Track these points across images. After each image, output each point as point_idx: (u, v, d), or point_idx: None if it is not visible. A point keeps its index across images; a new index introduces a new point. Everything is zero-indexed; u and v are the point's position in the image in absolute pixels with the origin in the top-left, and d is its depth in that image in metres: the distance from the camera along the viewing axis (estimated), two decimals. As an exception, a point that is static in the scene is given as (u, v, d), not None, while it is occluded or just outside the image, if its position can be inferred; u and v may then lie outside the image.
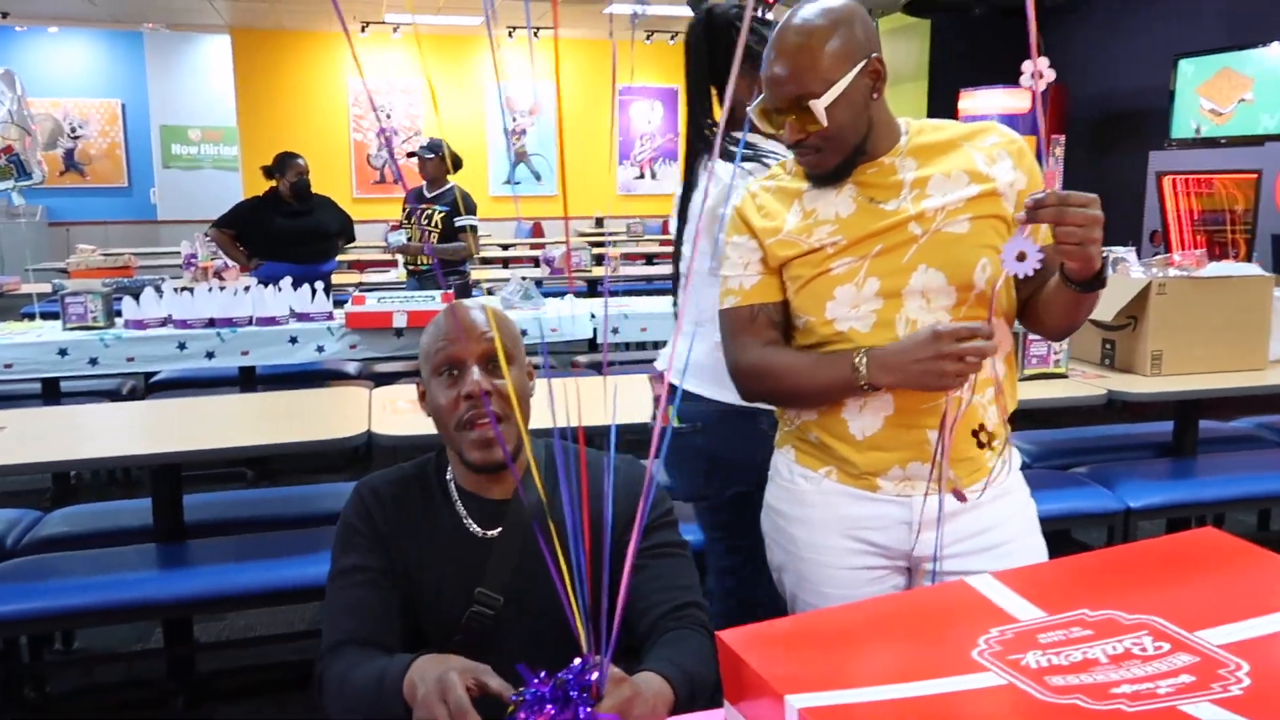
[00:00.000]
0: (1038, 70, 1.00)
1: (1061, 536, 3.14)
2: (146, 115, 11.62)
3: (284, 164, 4.98)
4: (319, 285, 4.01)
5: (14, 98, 4.25)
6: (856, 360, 1.36)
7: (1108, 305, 2.88)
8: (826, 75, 1.33)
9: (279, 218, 5.00)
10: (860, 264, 1.40)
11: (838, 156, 1.40)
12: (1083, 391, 2.78)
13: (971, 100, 8.83)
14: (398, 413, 2.64)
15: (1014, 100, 8.61)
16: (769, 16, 1.88)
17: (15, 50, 10.99)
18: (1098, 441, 3.40)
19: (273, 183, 5.03)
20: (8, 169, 4.19)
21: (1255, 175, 6.81)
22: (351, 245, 5.82)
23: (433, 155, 5.04)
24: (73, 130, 11.44)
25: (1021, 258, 1.21)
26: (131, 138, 11.65)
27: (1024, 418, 3.54)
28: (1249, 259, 6.77)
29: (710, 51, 1.83)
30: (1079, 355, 3.13)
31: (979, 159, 1.42)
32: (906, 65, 9.83)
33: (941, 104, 9.24)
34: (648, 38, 10.57)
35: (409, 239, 5.02)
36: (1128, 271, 3.00)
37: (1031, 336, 2.75)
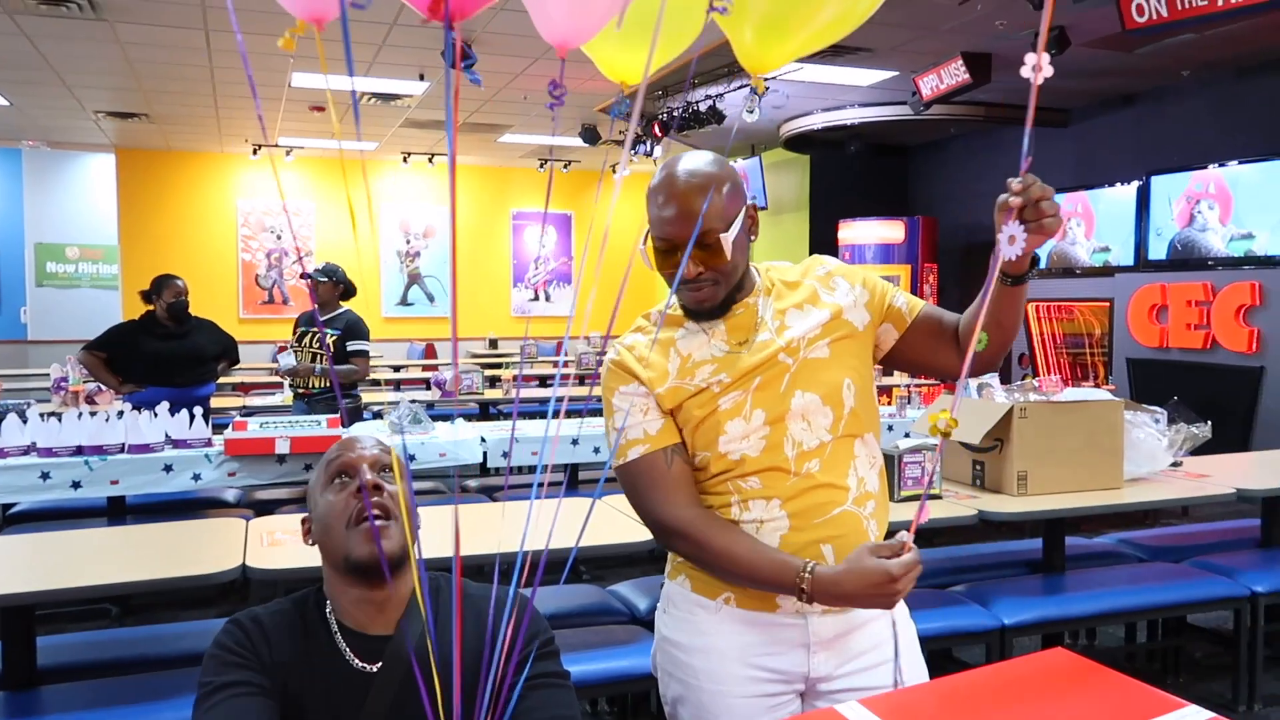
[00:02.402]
0: (1039, 64, 1.06)
1: (944, 654, 3.19)
2: (21, 231, 11.26)
3: (160, 285, 4.88)
4: (197, 410, 3.88)
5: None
6: (804, 571, 1.38)
7: (976, 428, 3.03)
8: (725, 214, 1.45)
9: (152, 340, 4.86)
10: (744, 397, 1.49)
11: (725, 290, 1.50)
12: (955, 512, 2.88)
13: (850, 230, 9.32)
14: (276, 544, 2.54)
15: (889, 231, 9.13)
16: (657, 151, 1.98)
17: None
18: (973, 560, 3.52)
19: (150, 306, 4.91)
20: None
21: (1108, 303, 7.34)
22: (237, 367, 5.67)
23: (325, 280, 5.00)
24: (-62, 246, 11.00)
25: (1012, 240, 1.25)
26: (3, 254, 11.23)
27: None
28: (1107, 380, 7.23)
29: None
30: (951, 476, 3.26)
31: (819, 289, 1.56)
32: (788, 197, 10.35)
33: (821, 233, 9.72)
34: (541, 165, 10.87)
35: (299, 362, 4.93)
36: (993, 396, 3.17)
37: (906, 460, 2.86)
